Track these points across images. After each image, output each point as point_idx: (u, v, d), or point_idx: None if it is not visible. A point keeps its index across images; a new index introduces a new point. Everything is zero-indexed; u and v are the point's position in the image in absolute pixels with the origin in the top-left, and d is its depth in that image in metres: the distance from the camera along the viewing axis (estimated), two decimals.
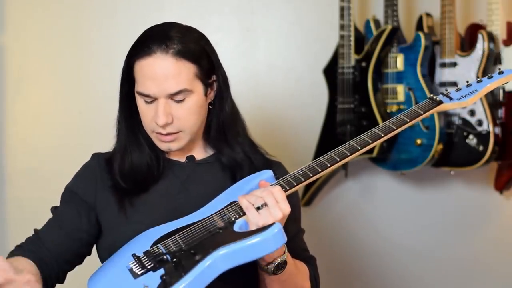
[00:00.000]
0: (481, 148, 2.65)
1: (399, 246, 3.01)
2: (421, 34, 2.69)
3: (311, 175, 1.58)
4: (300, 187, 1.60)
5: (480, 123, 2.65)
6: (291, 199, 1.63)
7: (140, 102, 1.67)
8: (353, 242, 3.03)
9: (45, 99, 2.91)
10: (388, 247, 3.02)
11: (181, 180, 1.72)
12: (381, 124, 1.67)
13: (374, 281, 3.04)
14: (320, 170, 1.59)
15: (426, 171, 2.84)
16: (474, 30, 2.73)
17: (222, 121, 1.75)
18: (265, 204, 1.51)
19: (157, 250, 1.52)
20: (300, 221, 1.82)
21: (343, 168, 2.85)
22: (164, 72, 1.61)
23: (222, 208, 1.58)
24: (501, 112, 2.69)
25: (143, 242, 1.57)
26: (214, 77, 1.72)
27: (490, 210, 2.98)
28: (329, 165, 1.59)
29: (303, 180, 1.58)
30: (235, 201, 1.58)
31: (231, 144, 1.75)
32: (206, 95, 1.70)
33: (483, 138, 2.64)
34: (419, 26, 2.76)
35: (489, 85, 1.71)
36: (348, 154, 1.61)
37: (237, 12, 2.93)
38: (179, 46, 1.63)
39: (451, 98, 1.69)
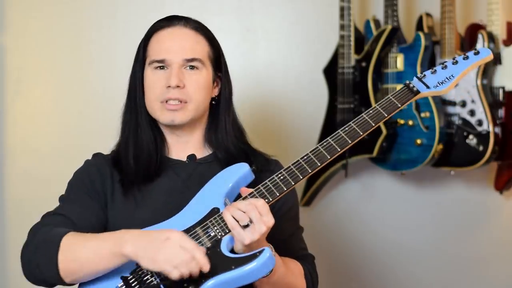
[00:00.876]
0: (481, 148, 2.65)
1: (399, 246, 3.01)
2: (421, 34, 2.69)
3: (293, 183, 1.57)
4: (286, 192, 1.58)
5: (480, 123, 2.65)
6: (289, 198, 1.63)
7: (150, 73, 1.69)
8: (353, 242, 3.03)
9: (45, 99, 2.91)
10: (388, 247, 3.01)
11: (183, 179, 1.72)
12: (358, 117, 1.60)
13: (374, 280, 3.04)
14: (301, 177, 1.57)
15: (426, 171, 2.84)
16: (474, 30, 2.73)
17: (224, 121, 1.76)
18: (251, 221, 1.50)
19: (145, 271, 1.52)
20: (298, 219, 1.81)
21: (343, 168, 2.85)
22: (182, 39, 1.69)
23: (205, 218, 1.57)
24: (501, 112, 2.69)
25: None
26: (220, 75, 1.76)
27: (490, 210, 2.98)
28: (310, 170, 1.58)
29: (285, 189, 1.56)
30: (216, 209, 1.57)
31: (230, 140, 1.76)
32: (213, 81, 1.74)
33: (483, 138, 2.64)
34: (419, 26, 2.76)
35: (465, 69, 1.63)
36: (328, 156, 1.58)
37: (237, 12, 2.93)
38: (197, 25, 1.74)
39: (428, 87, 1.62)
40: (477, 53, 1.64)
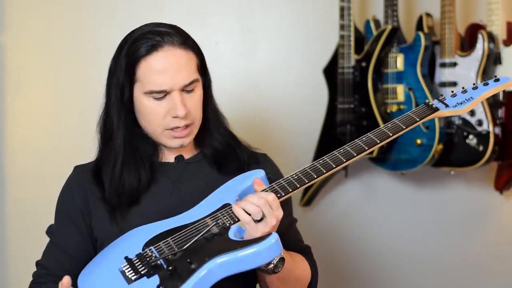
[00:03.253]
0: (481, 148, 2.65)
1: (399, 245, 3.01)
2: (421, 34, 2.69)
3: (307, 181, 1.58)
4: (295, 193, 1.60)
5: (480, 123, 2.64)
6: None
7: (147, 102, 1.64)
8: (353, 241, 3.03)
9: (45, 99, 2.91)
10: (388, 247, 3.01)
11: (172, 180, 1.72)
12: (377, 129, 1.66)
13: (373, 280, 3.04)
14: (315, 176, 1.59)
15: (426, 171, 2.84)
16: (474, 30, 2.73)
17: (207, 117, 1.75)
18: (263, 215, 1.51)
19: (150, 254, 1.51)
20: (292, 211, 1.82)
21: (343, 168, 2.85)
22: (176, 63, 1.62)
23: (215, 211, 1.57)
24: (501, 112, 2.69)
25: (134, 240, 1.56)
26: (206, 73, 1.74)
27: (490, 210, 2.98)
28: (324, 171, 1.60)
29: (298, 186, 1.58)
30: (228, 204, 1.58)
31: (214, 137, 1.75)
32: (203, 88, 1.71)
33: (483, 138, 2.64)
34: (419, 26, 2.76)
35: (484, 94, 1.70)
36: (344, 160, 1.61)
37: (237, 12, 2.93)
38: (182, 38, 1.65)
39: (446, 105, 1.69)
40: (497, 80, 1.72)
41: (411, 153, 2.69)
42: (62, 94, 2.90)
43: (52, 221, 1.77)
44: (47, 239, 1.76)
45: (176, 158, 1.75)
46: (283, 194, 1.56)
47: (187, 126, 1.66)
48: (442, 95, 1.72)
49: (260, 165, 1.74)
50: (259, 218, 1.51)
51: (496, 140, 2.64)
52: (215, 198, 1.62)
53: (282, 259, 1.56)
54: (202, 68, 1.71)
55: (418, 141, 2.67)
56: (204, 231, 1.52)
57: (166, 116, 1.64)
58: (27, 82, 2.88)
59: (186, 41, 1.66)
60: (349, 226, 3.02)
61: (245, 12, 2.93)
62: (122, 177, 1.67)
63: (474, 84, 1.72)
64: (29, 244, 2.77)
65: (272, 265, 1.55)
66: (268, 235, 1.48)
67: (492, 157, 2.66)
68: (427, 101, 1.71)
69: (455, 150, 2.70)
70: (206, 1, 2.91)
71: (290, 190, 1.57)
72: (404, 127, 1.65)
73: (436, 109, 1.68)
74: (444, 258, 2.99)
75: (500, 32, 2.68)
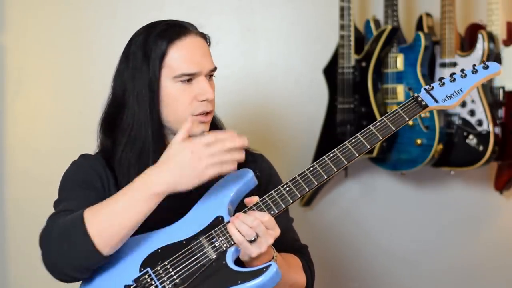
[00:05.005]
0: (481, 148, 2.64)
1: (399, 245, 3.01)
2: (421, 34, 2.69)
3: (299, 195, 1.56)
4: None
5: (480, 123, 2.64)
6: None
7: (173, 88, 1.65)
8: (353, 242, 3.03)
9: (45, 99, 2.91)
10: (388, 247, 3.01)
11: None
12: (365, 129, 1.60)
13: (373, 280, 3.04)
14: (307, 189, 1.56)
15: (426, 171, 2.84)
16: (474, 30, 2.73)
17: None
18: (257, 235, 1.51)
19: (148, 281, 1.51)
20: (289, 211, 1.82)
21: (343, 168, 2.84)
22: (202, 48, 1.68)
23: (209, 227, 1.56)
24: (501, 112, 2.69)
25: (130, 257, 1.55)
26: None
27: (490, 210, 2.98)
28: (316, 183, 1.57)
29: (291, 201, 1.56)
30: (220, 218, 1.57)
31: None
32: None
33: (483, 138, 2.64)
34: (419, 26, 2.76)
35: (474, 84, 1.62)
36: (335, 169, 1.58)
37: (237, 12, 2.93)
38: (196, 28, 1.72)
39: (436, 100, 1.62)
40: (486, 67, 1.63)
41: (411, 153, 2.69)
42: (62, 94, 2.90)
43: None
44: None
45: None
46: (276, 212, 1.56)
47: (210, 111, 1.69)
48: (430, 85, 1.64)
49: (256, 164, 1.74)
50: (253, 239, 1.51)
51: (496, 140, 2.64)
52: (206, 205, 1.61)
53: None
54: None
55: (418, 141, 2.67)
56: (204, 261, 1.52)
57: (193, 102, 1.65)
58: (27, 82, 2.88)
59: (200, 32, 1.72)
60: (349, 226, 3.02)
61: (245, 12, 2.93)
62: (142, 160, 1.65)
63: (462, 71, 1.63)
64: (28, 244, 2.76)
65: None
66: (268, 266, 1.49)
67: (492, 157, 2.66)
68: (415, 94, 1.63)
69: (455, 150, 2.70)
70: (206, 1, 2.91)
71: (283, 206, 1.56)
72: (394, 128, 1.59)
73: (426, 106, 1.61)
74: (444, 258, 2.99)
75: (500, 32, 2.68)
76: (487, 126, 2.63)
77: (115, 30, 2.87)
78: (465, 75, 1.63)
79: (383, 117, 1.61)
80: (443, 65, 2.71)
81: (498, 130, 2.65)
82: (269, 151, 1.85)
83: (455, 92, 1.62)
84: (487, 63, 1.64)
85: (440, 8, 2.68)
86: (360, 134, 1.59)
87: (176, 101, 1.66)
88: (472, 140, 2.67)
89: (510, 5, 2.78)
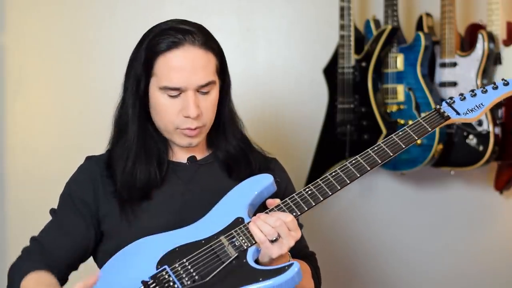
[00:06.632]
0: (481, 148, 2.65)
1: (399, 245, 3.01)
2: (421, 34, 2.69)
3: (321, 198, 1.59)
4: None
5: (480, 123, 2.65)
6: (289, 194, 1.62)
7: (161, 98, 1.63)
8: (353, 241, 3.03)
9: (45, 99, 2.91)
10: (388, 247, 3.01)
11: (184, 181, 1.71)
12: (388, 138, 1.64)
13: (373, 280, 3.04)
14: (330, 193, 1.59)
15: (426, 171, 2.84)
16: (474, 30, 2.73)
17: (223, 119, 1.74)
18: (279, 236, 1.51)
19: (166, 277, 1.50)
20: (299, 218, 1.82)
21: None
22: (194, 63, 1.61)
23: (229, 227, 1.56)
24: (501, 112, 2.69)
25: (146, 256, 1.55)
26: (223, 77, 1.72)
27: (490, 210, 2.98)
28: (339, 187, 1.59)
29: (313, 204, 1.58)
30: (241, 219, 1.57)
31: (229, 140, 1.75)
32: (220, 90, 1.70)
33: (483, 138, 2.64)
34: (419, 26, 2.76)
35: (495, 99, 1.68)
36: (358, 175, 1.60)
37: (237, 12, 2.93)
38: (204, 38, 1.64)
39: (458, 113, 1.67)
40: (506, 84, 1.69)
41: (411, 153, 2.69)
42: (62, 94, 2.90)
43: None
44: None
45: (188, 159, 1.74)
46: (298, 213, 1.57)
47: (198, 127, 1.65)
48: (451, 98, 1.70)
49: (270, 172, 1.72)
50: (274, 239, 1.50)
51: (496, 140, 2.64)
52: (225, 207, 1.60)
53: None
54: (222, 70, 1.70)
55: (418, 141, 2.67)
56: (224, 257, 1.51)
57: (179, 115, 1.63)
58: (27, 82, 2.88)
59: (208, 42, 1.65)
60: (349, 226, 3.02)
61: (245, 12, 2.93)
62: (134, 171, 1.66)
63: (484, 88, 1.69)
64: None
65: None
66: (290, 264, 1.49)
67: (492, 157, 2.66)
68: (437, 107, 1.68)
69: (455, 150, 2.70)
70: (206, 1, 2.91)
71: (306, 208, 1.57)
72: (416, 138, 1.64)
73: (448, 118, 1.66)
74: (444, 258, 2.99)
75: (500, 32, 2.68)
76: (487, 126, 2.63)
77: (115, 30, 2.88)
78: (486, 91, 1.69)
79: (405, 127, 1.65)
80: (443, 65, 2.71)
81: (498, 130, 2.65)
82: (269, 151, 1.85)
83: (476, 106, 1.68)
84: (507, 79, 1.70)
85: (440, 8, 2.68)
86: (382, 143, 1.63)
87: (163, 111, 1.64)
88: (472, 140, 2.67)
89: (510, 5, 2.78)
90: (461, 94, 1.69)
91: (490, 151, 2.63)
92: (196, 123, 1.64)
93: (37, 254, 1.67)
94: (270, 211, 1.56)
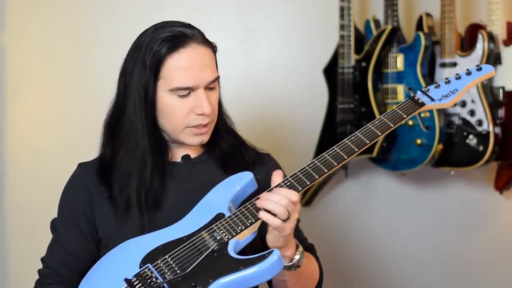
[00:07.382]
0: (481, 148, 2.65)
1: (399, 246, 3.01)
2: (421, 34, 2.69)
3: (326, 170, 1.58)
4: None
5: (480, 123, 2.65)
6: None
7: (170, 100, 1.62)
8: (352, 242, 3.03)
9: (45, 99, 2.91)
10: (388, 247, 3.01)
11: (179, 180, 1.71)
12: (364, 128, 1.64)
13: (373, 281, 3.04)
14: (335, 164, 1.59)
15: (426, 171, 2.84)
16: (474, 30, 2.73)
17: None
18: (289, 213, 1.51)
19: (149, 274, 1.51)
20: None
21: (343, 168, 2.85)
22: (202, 61, 1.62)
23: (210, 222, 1.56)
24: (501, 112, 2.69)
25: (130, 255, 1.56)
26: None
27: (490, 210, 2.98)
28: (336, 164, 1.59)
29: (316, 177, 1.57)
30: (221, 214, 1.57)
31: (222, 137, 1.75)
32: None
33: (483, 138, 2.64)
34: (419, 26, 2.76)
35: (468, 84, 1.69)
36: (335, 164, 1.59)
37: (237, 12, 2.93)
38: (201, 35, 1.66)
39: (432, 99, 1.67)
40: (479, 69, 1.70)
41: (411, 153, 2.69)
42: (62, 94, 2.90)
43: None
44: (46, 240, 1.76)
45: (182, 157, 1.74)
46: (300, 189, 1.55)
47: (207, 123, 1.66)
48: (425, 87, 1.71)
49: (264, 166, 1.74)
50: (287, 217, 1.51)
51: (496, 140, 2.64)
52: (206, 205, 1.61)
53: (303, 252, 1.58)
54: (217, 67, 1.72)
55: (418, 141, 2.67)
56: (204, 250, 1.52)
57: (190, 114, 1.63)
58: (27, 82, 2.88)
59: (205, 38, 1.67)
60: (349, 226, 3.02)
61: (245, 12, 2.93)
62: (150, 180, 1.65)
63: (457, 74, 1.70)
64: (28, 244, 2.77)
65: (295, 260, 1.57)
66: (270, 252, 1.48)
67: (492, 157, 2.66)
68: (412, 94, 1.69)
69: (455, 150, 2.70)
70: (206, 1, 2.91)
71: (308, 183, 1.56)
72: (392, 125, 1.63)
73: (422, 104, 1.66)
74: (444, 258, 2.99)
75: (500, 32, 2.68)
76: (487, 126, 2.63)
77: (115, 30, 2.88)
78: (460, 77, 1.70)
79: (381, 115, 1.65)
80: (443, 65, 2.71)
81: (498, 130, 2.65)
82: (269, 151, 1.85)
83: (450, 92, 1.68)
84: (480, 65, 1.71)
85: (440, 8, 2.68)
86: (358, 132, 1.64)
87: (172, 112, 1.64)
88: (472, 140, 2.67)
89: (510, 5, 2.78)
90: (435, 82, 1.70)
91: (490, 151, 2.63)
92: (207, 119, 1.65)
93: (52, 276, 1.69)
94: (274, 187, 1.55)
